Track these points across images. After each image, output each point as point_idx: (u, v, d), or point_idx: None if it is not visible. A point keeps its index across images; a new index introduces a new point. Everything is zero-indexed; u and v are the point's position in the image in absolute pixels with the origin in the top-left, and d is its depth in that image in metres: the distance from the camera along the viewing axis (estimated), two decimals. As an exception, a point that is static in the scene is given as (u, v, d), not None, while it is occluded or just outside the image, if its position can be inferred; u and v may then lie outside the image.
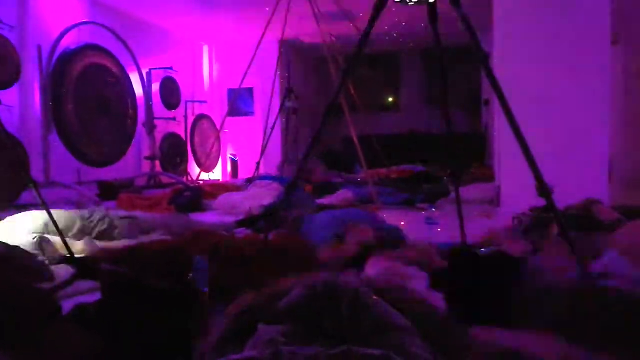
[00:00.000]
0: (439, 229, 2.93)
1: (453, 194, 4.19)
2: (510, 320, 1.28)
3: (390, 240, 2.13)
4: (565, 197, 2.47)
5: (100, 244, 2.55)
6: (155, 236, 2.75)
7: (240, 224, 3.32)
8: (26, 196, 4.36)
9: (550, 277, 1.36)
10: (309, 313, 0.97)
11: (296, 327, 0.98)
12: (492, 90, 1.42)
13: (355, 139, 4.86)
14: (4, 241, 2.18)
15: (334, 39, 5.79)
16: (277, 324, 0.99)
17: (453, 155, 2.51)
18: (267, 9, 5.50)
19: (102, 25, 5.89)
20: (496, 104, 4.58)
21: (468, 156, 7.62)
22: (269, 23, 5.41)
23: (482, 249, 1.72)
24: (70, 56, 5.37)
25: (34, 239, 2.39)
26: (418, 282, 1.41)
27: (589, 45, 3.56)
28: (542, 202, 1.47)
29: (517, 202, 2.88)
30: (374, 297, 0.93)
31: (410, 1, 1.57)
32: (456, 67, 7.58)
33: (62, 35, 5.29)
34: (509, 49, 3.81)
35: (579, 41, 3.58)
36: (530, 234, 2.04)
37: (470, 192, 4.63)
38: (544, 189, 1.22)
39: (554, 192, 1.32)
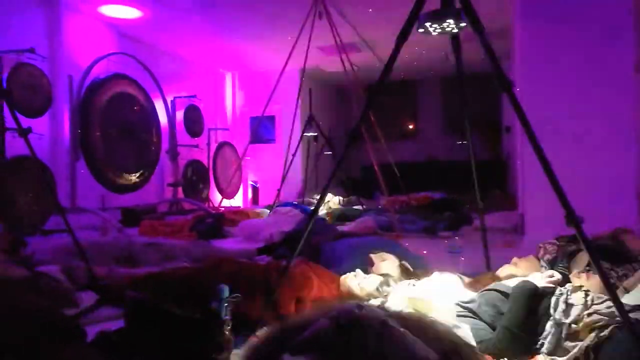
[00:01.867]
0: (462, 258, 2.87)
1: (475, 222, 4.14)
2: (539, 353, 1.24)
3: (413, 269, 2.10)
4: (594, 227, 2.41)
5: (123, 270, 2.57)
6: (177, 263, 2.77)
7: (261, 251, 3.32)
8: (52, 221, 4.45)
9: (582, 309, 1.32)
10: (335, 344, 0.95)
11: (321, 358, 0.96)
12: (513, 118, 1.42)
13: (376, 166, 4.85)
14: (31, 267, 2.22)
15: (356, 68, 5.86)
16: (301, 355, 0.98)
17: (476, 182, 2.48)
18: (290, 38, 5.62)
19: (130, 55, 6.09)
20: (519, 132, 4.54)
21: (488, 183, 7.54)
22: (291, 53, 5.52)
23: (507, 280, 1.68)
24: (98, 85, 5.55)
25: (60, 265, 2.42)
26: (444, 313, 1.38)
27: (612, 73, 3.53)
28: (567, 230, 1.43)
29: (541, 231, 2.83)
30: (401, 329, 0.92)
31: (435, 31, 1.58)
32: (476, 93, 7.58)
33: (91, 65, 5.49)
34: (530, 78, 3.80)
35: (602, 69, 3.55)
36: (556, 264, 1.99)
37: (492, 219, 4.55)
38: (573, 218, 1.19)
39: (583, 221, 1.29)
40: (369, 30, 6.51)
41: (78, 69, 5.43)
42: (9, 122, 4.31)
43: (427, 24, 1.56)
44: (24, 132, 2.45)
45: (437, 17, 1.51)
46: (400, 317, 1.06)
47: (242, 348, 1.10)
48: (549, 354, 1.33)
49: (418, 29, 1.58)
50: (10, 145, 4.35)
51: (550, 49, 3.67)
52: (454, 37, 1.59)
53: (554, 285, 1.47)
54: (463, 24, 1.59)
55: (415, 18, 1.44)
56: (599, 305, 1.37)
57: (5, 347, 1.32)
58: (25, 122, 4.39)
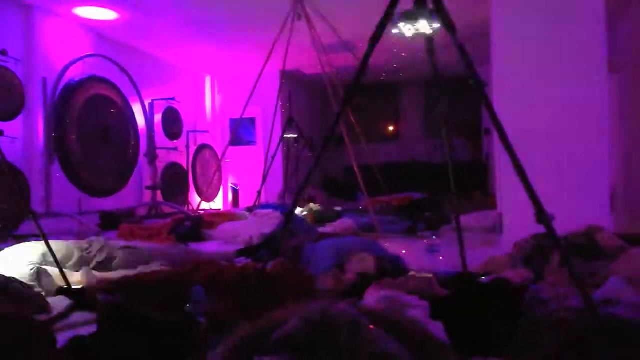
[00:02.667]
0: (441, 257, 2.90)
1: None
2: (511, 350, 1.26)
3: (391, 269, 2.11)
4: (568, 226, 2.45)
5: (99, 274, 2.52)
6: (154, 266, 2.73)
7: (240, 253, 3.30)
8: (26, 227, 4.35)
9: (552, 305, 1.34)
10: (305, 343, 0.95)
11: (293, 358, 0.96)
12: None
13: (356, 168, 4.87)
14: (0, 272, 2.17)
15: (334, 69, 5.88)
16: (273, 355, 0.97)
17: (453, 183, 2.51)
18: (269, 39, 5.61)
19: (106, 58, 6.01)
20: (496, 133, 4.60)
21: (469, 184, 7.64)
22: (270, 54, 5.50)
23: (483, 278, 1.70)
24: (74, 88, 5.46)
25: (31, 270, 2.37)
26: (418, 312, 1.39)
27: (587, 73, 3.59)
28: (544, 229, 1.46)
29: (519, 230, 2.86)
30: (372, 327, 0.92)
31: (409, 32, 1.59)
32: (456, 96, 7.68)
33: (66, 67, 5.39)
34: (507, 78, 3.85)
35: (577, 69, 3.61)
36: (531, 262, 2.02)
37: (472, 220, 4.62)
38: (543, 216, 1.21)
39: (554, 219, 1.31)
40: (349, 31, 6.54)
41: (53, 72, 5.33)
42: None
43: (401, 25, 1.57)
44: (-5, 135, 2.39)
45: (410, 17, 1.52)
46: (371, 314, 1.06)
47: (214, 351, 1.09)
48: (521, 350, 1.34)
49: (392, 30, 1.59)
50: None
51: (523, 47, 3.72)
52: (428, 38, 1.61)
53: (526, 282, 1.49)
54: (437, 25, 1.61)
55: (388, 19, 1.45)
56: (570, 302, 1.39)
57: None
58: (-2, 125, 4.31)
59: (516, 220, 3.62)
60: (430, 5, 1.50)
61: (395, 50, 7.03)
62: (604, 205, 3.52)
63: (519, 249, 2.19)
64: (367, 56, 1.51)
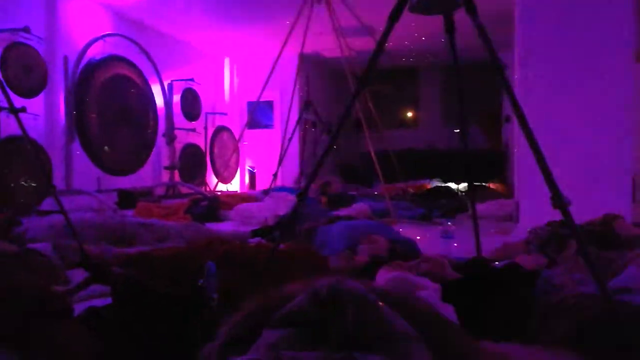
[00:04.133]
0: (455, 244, 2.88)
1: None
2: (523, 335, 1.25)
3: (404, 253, 2.11)
4: (588, 215, 2.41)
5: (115, 249, 2.57)
6: (169, 243, 2.77)
7: (254, 233, 3.32)
8: (48, 202, 4.44)
9: (566, 291, 1.32)
10: (313, 318, 0.95)
11: (300, 332, 0.96)
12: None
13: (373, 154, 4.85)
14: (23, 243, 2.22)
15: (353, 53, 5.82)
16: (279, 329, 0.97)
17: (469, 170, 2.48)
18: (288, 22, 5.57)
19: (127, 38, 6.04)
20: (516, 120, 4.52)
21: (486, 172, 7.55)
22: (288, 37, 5.47)
23: (496, 262, 1.69)
24: (94, 66, 5.51)
25: (52, 243, 2.43)
26: (429, 293, 1.38)
27: (612, 62, 3.51)
28: (561, 217, 1.43)
29: (536, 219, 2.82)
30: (380, 303, 0.91)
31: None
32: (477, 83, 7.55)
33: (87, 46, 5.44)
34: (530, 65, 3.77)
35: (602, 58, 3.52)
36: (546, 248, 1.99)
37: (488, 208, 4.58)
38: (559, 200, 1.19)
39: (571, 204, 1.29)
40: (369, 15, 6.45)
41: (74, 50, 5.38)
42: (3, 101, 4.28)
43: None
44: (15, 111, 2.43)
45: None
46: (381, 292, 1.06)
47: (223, 323, 1.10)
48: (533, 335, 1.33)
49: (410, 9, 1.56)
50: (5, 125, 4.33)
51: (547, 32, 3.63)
52: (448, 17, 1.57)
53: (540, 268, 1.47)
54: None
55: (407, -3, 1.42)
56: (584, 288, 1.37)
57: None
58: (20, 102, 4.37)
59: (532, 208, 3.58)
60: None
61: (415, 35, 6.92)
62: (626, 195, 3.45)
63: (534, 236, 2.16)
64: (385, 35, 1.49)
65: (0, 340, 1.30)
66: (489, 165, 7.86)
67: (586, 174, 3.39)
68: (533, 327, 1.29)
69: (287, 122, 6.45)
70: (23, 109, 4.70)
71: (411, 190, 6.44)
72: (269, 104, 9.05)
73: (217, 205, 4.69)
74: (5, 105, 4.42)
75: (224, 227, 3.95)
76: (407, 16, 1.59)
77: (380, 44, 1.55)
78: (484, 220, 3.55)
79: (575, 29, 3.59)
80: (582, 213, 1.75)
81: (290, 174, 7.91)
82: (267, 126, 9.26)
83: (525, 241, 2.15)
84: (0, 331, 1.33)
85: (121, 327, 1.46)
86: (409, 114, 11.12)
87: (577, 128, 3.55)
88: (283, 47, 5.54)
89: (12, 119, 2.52)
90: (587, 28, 3.55)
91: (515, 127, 4.91)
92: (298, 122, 6.52)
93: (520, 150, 3.98)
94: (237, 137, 7.57)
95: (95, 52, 5.62)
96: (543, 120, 3.24)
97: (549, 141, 2.03)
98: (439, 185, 6.90)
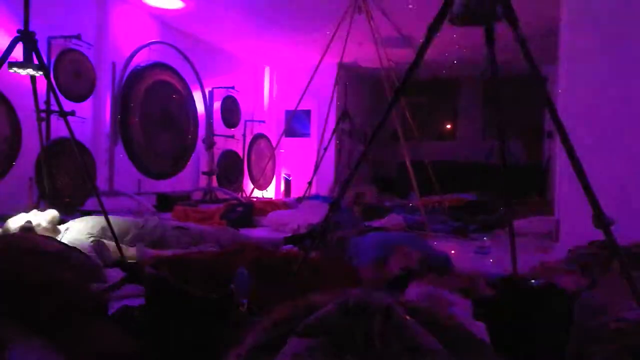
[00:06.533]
0: (490, 260, 2.81)
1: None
2: (558, 359, 1.20)
3: (436, 266, 2.07)
4: (631, 235, 2.30)
5: (151, 251, 2.63)
6: (203, 247, 2.82)
7: (287, 240, 3.34)
8: (91, 202, 4.61)
9: (607, 315, 1.26)
10: (339, 328, 0.94)
11: (326, 341, 0.96)
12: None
13: (409, 165, 4.79)
14: (64, 241, 2.31)
15: (392, 63, 5.80)
16: (306, 337, 0.98)
17: (507, 185, 2.42)
18: (328, 32, 5.61)
19: (171, 45, 6.23)
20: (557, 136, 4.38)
21: (526, 188, 7.34)
22: (328, 47, 5.51)
23: (533, 281, 1.63)
24: (140, 73, 5.70)
25: (91, 242, 2.51)
26: (460, 310, 1.35)
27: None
28: (603, 237, 1.37)
29: (576, 238, 2.72)
30: (407, 317, 0.90)
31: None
32: (519, 97, 7.37)
33: (134, 53, 5.64)
34: (575, 79, 3.66)
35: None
36: (587, 269, 1.91)
37: (527, 224, 4.43)
38: (601, 219, 1.14)
39: (614, 224, 1.23)
40: (409, 26, 6.43)
41: (121, 56, 5.59)
42: (54, 105, 4.48)
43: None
44: (64, 114, 2.54)
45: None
46: (410, 307, 1.04)
47: (251, 330, 1.11)
48: (571, 359, 1.27)
49: (449, 20, 1.54)
50: (56, 127, 4.53)
51: (593, 45, 3.51)
52: (488, 28, 1.54)
53: (580, 289, 1.41)
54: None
55: (447, 6, 1.41)
56: (627, 313, 1.30)
57: (36, 317, 1.38)
58: (70, 106, 4.57)
59: (574, 226, 3.44)
60: (493, -4, 1.44)
61: (457, 46, 6.84)
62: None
63: (575, 255, 2.08)
64: (424, 45, 1.48)
65: (39, 333, 1.35)
66: (529, 180, 7.64)
67: (632, 193, 3.24)
68: (570, 351, 1.24)
69: (323, 131, 6.47)
70: (72, 113, 4.93)
71: (447, 204, 6.32)
72: (307, 113, 9.12)
73: (251, 212, 4.74)
74: (56, 108, 4.63)
75: (258, 233, 3.99)
76: (448, 27, 1.58)
77: (420, 54, 1.54)
78: (522, 237, 3.44)
79: (622, 42, 3.46)
80: (626, 233, 1.67)
81: (325, 182, 7.93)
82: (303, 135, 9.33)
83: (564, 261, 2.07)
84: (40, 325, 1.38)
85: (151, 327, 1.49)
86: (448, 126, 10.97)
87: (622, 145, 3.40)
88: (323, 56, 5.58)
89: (61, 121, 2.64)
90: (635, 41, 3.42)
91: (557, 143, 4.75)
92: (334, 131, 6.52)
93: (561, 166, 3.86)
94: (274, 144, 7.66)
95: (141, 59, 5.82)
96: (585, 136, 3.13)
97: (592, 158, 1.96)
98: (477, 199, 6.75)
